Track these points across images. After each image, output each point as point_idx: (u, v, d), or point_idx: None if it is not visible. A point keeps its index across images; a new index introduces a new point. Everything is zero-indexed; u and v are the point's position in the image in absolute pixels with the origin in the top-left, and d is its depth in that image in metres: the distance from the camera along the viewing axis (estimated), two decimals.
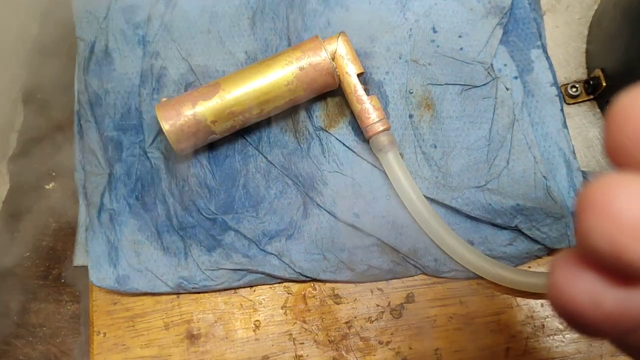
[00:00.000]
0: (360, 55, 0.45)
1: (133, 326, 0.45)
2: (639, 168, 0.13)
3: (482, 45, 0.46)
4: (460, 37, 0.46)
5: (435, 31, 0.46)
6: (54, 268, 0.54)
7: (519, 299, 0.44)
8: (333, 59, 0.42)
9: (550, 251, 0.44)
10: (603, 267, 0.14)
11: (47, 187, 0.57)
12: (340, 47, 0.42)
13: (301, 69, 0.42)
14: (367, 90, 0.43)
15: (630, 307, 0.14)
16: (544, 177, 0.43)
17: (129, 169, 0.46)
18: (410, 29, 0.47)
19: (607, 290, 0.14)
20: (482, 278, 0.43)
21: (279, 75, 0.42)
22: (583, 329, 0.15)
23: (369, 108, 0.42)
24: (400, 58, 0.46)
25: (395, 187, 0.42)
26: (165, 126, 0.42)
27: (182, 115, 0.42)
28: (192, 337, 0.44)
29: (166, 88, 0.47)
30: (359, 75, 0.42)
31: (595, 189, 0.13)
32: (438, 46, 0.46)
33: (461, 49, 0.46)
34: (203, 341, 0.44)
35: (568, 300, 0.15)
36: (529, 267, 0.44)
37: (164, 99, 0.44)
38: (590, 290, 0.14)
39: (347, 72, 0.42)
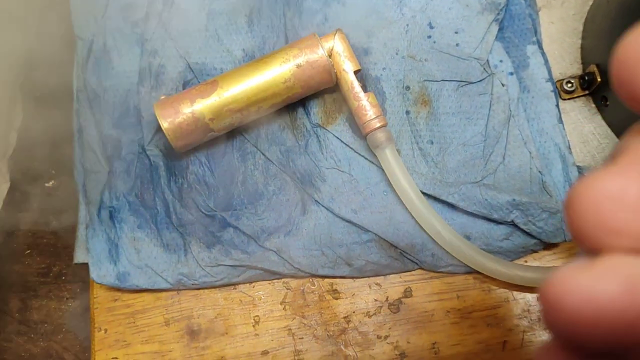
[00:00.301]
0: (357, 51, 0.45)
1: (134, 322, 0.45)
2: (598, 250, 0.14)
3: (478, 41, 0.46)
4: (456, 33, 0.46)
5: (431, 27, 0.47)
6: (55, 265, 0.55)
7: (515, 292, 0.44)
8: (330, 56, 0.43)
9: (546, 245, 0.44)
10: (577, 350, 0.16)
11: (47, 185, 0.57)
12: (337, 44, 0.43)
13: (298, 66, 0.42)
14: (364, 87, 0.43)
15: None
16: (539, 172, 0.44)
17: (128, 166, 0.47)
18: (407, 25, 0.47)
19: None
20: (479, 272, 0.43)
21: (276, 72, 0.42)
22: None
23: (366, 105, 0.42)
24: (397, 54, 0.47)
25: (393, 183, 0.43)
26: (164, 124, 0.42)
27: (181, 113, 0.42)
28: (192, 333, 0.45)
29: (164, 86, 0.48)
30: (355, 73, 0.43)
31: (548, 289, 0.14)
32: (434, 42, 0.47)
33: (457, 45, 0.46)
34: (203, 337, 0.45)
35: None
36: (525, 262, 0.45)
37: (162, 97, 0.44)
38: None
39: (344, 70, 0.43)
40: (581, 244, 0.15)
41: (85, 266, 0.46)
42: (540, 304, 0.15)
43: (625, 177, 0.14)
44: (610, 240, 0.14)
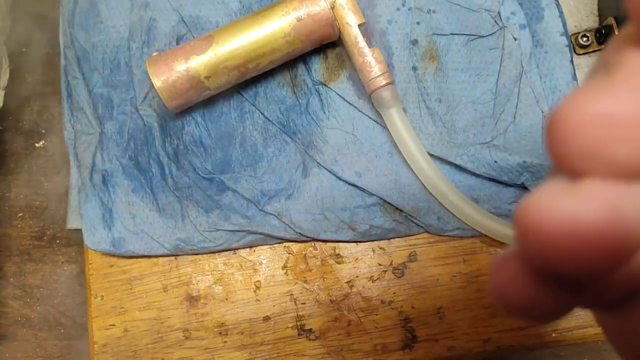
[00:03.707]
0: (360, 2, 0.42)
1: (131, 289, 0.44)
2: (579, 174, 0.13)
3: None
4: None
5: None
6: (49, 228, 0.53)
7: None
8: (332, 8, 0.40)
9: None
10: (540, 274, 0.15)
11: (37, 145, 0.55)
12: None
13: (299, 19, 0.40)
14: (368, 42, 0.40)
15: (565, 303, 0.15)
16: None
17: (121, 127, 0.45)
18: None
19: (545, 293, 0.15)
20: (486, 236, 0.42)
21: (275, 26, 0.40)
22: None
23: (370, 61, 0.40)
24: (403, 5, 0.44)
25: (398, 144, 0.41)
26: (157, 83, 0.40)
27: (175, 71, 0.40)
28: (192, 299, 0.44)
29: (157, 41, 0.45)
30: (360, 26, 0.40)
31: (526, 213, 0.14)
32: None
33: None
34: (203, 303, 0.44)
35: (509, 300, 0.16)
36: None
37: (154, 54, 0.41)
38: (528, 293, 0.15)
39: (347, 23, 0.40)
40: (561, 168, 0.14)
41: (79, 229, 0.45)
42: (516, 229, 0.14)
43: (617, 98, 0.12)
44: (595, 167, 0.13)
